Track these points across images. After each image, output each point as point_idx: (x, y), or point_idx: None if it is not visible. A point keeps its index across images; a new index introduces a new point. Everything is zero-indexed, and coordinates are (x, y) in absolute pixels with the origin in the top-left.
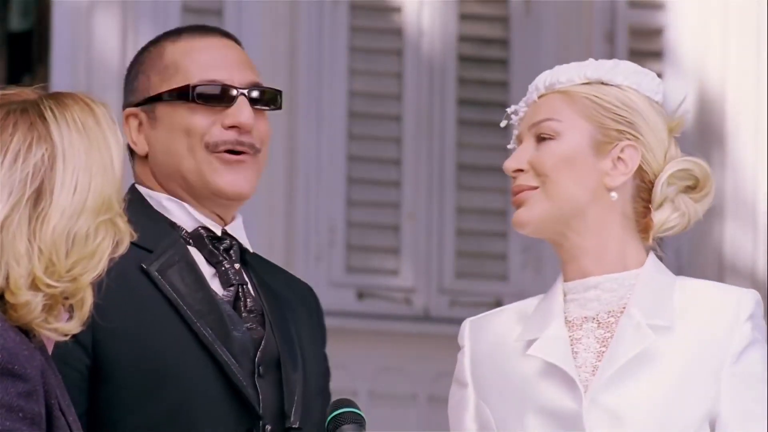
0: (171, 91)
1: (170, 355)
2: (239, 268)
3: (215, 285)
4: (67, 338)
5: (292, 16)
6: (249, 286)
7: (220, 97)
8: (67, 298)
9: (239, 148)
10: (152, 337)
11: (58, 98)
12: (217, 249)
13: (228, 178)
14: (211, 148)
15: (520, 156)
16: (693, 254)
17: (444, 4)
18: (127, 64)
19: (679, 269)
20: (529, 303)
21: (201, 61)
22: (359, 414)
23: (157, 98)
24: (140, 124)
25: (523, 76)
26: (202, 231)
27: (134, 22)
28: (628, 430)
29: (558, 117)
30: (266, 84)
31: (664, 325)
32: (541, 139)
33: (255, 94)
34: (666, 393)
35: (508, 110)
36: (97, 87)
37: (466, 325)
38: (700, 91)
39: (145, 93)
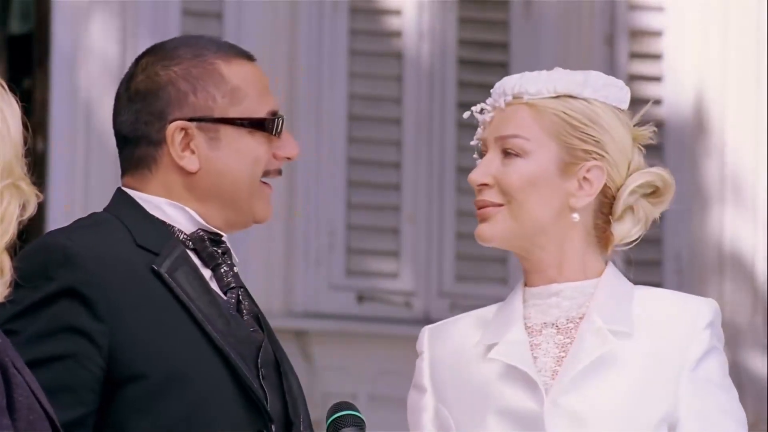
0: (245, 119)
1: (184, 357)
2: (236, 271)
3: (213, 287)
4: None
5: (292, 19)
6: (245, 289)
7: (281, 131)
8: None
9: (276, 176)
10: (166, 339)
11: None
12: (217, 252)
13: (267, 208)
14: (263, 178)
15: (486, 169)
16: (693, 249)
17: (444, 7)
18: (127, 66)
19: (679, 265)
20: (489, 310)
21: (260, 90)
22: (359, 417)
23: (226, 121)
24: (190, 138)
25: None
26: (202, 233)
27: (134, 25)
28: (595, 426)
29: (526, 135)
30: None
31: (623, 331)
32: (507, 153)
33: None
34: (626, 396)
35: (474, 109)
36: (97, 89)
37: (425, 332)
38: (700, 93)
39: (207, 112)
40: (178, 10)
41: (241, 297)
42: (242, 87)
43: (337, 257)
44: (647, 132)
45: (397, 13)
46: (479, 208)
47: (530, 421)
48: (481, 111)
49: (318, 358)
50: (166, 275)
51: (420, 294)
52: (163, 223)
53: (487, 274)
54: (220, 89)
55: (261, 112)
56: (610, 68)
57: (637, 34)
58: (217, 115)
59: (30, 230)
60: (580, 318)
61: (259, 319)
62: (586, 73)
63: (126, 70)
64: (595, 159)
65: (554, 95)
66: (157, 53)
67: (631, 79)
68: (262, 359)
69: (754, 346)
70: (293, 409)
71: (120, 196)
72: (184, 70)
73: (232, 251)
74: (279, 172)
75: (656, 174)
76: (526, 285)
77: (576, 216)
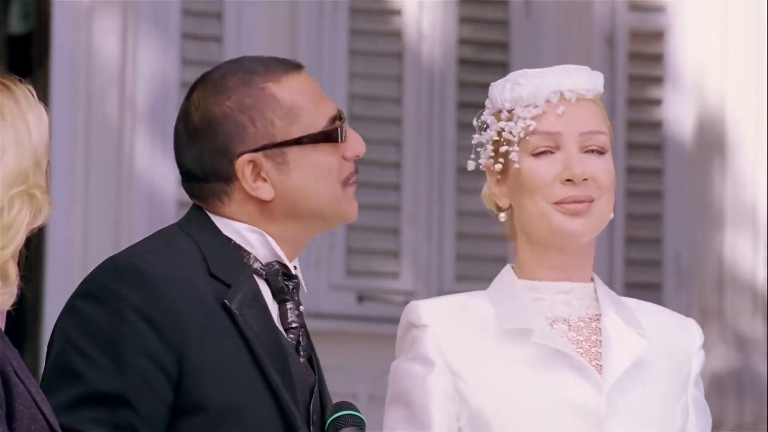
0: (307, 137)
1: (240, 393)
2: (302, 311)
3: (276, 323)
4: (3, 309)
5: (292, 19)
6: (305, 329)
7: (344, 135)
8: None
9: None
10: (227, 373)
11: None
12: (287, 287)
13: (354, 206)
14: (344, 183)
15: (583, 164)
16: (693, 258)
17: (444, 7)
18: (128, 66)
19: (679, 277)
20: (474, 296)
21: (315, 99)
22: (359, 417)
23: (289, 143)
24: (260, 168)
25: None
26: (277, 266)
27: (134, 25)
28: (644, 429)
29: (605, 130)
30: None
31: (643, 334)
32: (588, 149)
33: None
34: (662, 402)
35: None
36: (97, 90)
37: (421, 306)
38: (700, 93)
39: (270, 138)
40: (178, 10)
41: (300, 338)
42: (297, 103)
43: (337, 257)
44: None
45: (397, 13)
46: (578, 203)
47: (587, 410)
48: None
49: (318, 357)
50: (235, 311)
51: (420, 294)
52: (239, 249)
53: (487, 274)
54: (277, 113)
55: (320, 123)
56: (610, 68)
57: (637, 34)
58: (279, 139)
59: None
60: (590, 318)
61: (311, 360)
62: (599, 73)
63: (126, 70)
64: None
65: (599, 94)
66: (206, 87)
67: (632, 79)
68: (314, 404)
69: (754, 346)
70: None
71: (197, 214)
72: (238, 102)
73: (302, 284)
74: (355, 172)
75: None
76: (522, 278)
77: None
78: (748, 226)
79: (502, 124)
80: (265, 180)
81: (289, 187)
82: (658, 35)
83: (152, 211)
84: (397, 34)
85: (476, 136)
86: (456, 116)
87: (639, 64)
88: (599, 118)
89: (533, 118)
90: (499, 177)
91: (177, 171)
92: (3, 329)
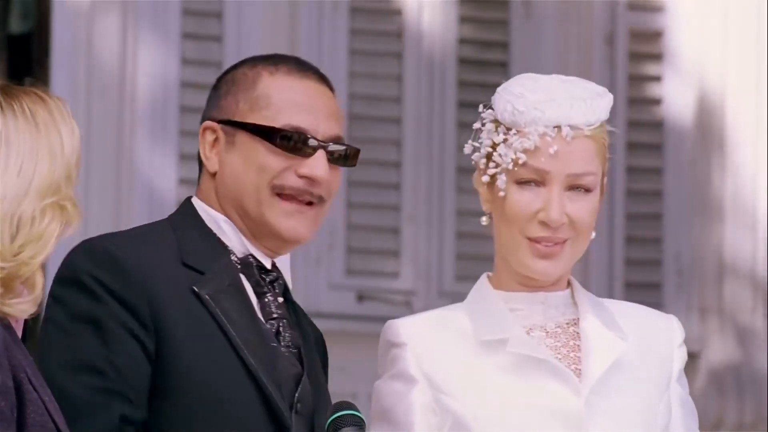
0: (256, 126)
1: (217, 380)
2: (282, 302)
3: (258, 315)
4: (25, 316)
5: (291, 19)
6: (287, 321)
7: (300, 147)
8: (17, 280)
9: (307, 198)
10: (203, 360)
11: (9, 90)
12: (264, 280)
13: (289, 223)
14: (276, 190)
15: (562, 208)
16: (693, 258)
17: (444, 6)
18: (128, 66)
19: (679, 277)
20: (453, 310)
21: (292, 103)
22: (359, 416)
23: (241, 125)
24: (215, 140)
25: None
26: (252, 259)
27: (134, 24)
28: (625, 431)
29: (595, 171)
30: None
31: (621, 337)
32: (574, 188)
33: (334, 149)
34: (644, 401)
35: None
36: (96, 89)
37: (397, 325)
38: (700, 93)
39: (230, 114)
40: (178, 10)
41: (281, 328)
42: (270, 96)
43: (337, 256)
44: None
45: (397, 12)
46: (549, 245)
47: (566, 414)
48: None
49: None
50: (206, 297)
51: (420, 293)
52: (219, 240)
53: None
54: (246, 95)
55: (278, 123)
56: (610, 68)
57: (637, 34)
58: (236, 118)
59: None
60: (567, 323)
61: (300, 353)
62: (609, 94)
63: (126, 69)
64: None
65: (600, 124)
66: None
67: (631, 79)
68: (301, 394)
69: (755, 345)
70: None
71: (185, 206)
72: (231, 76)
73: (286, 278)
74: (307, 193)
75: None
76: (498, 288)
77: (593, 233)
78: (748, 226)
79: (497, 139)
80: (218, 155)
81: (226, 167)
82: (657, 35)
83: (152, 211)
84: (397, 34)
85: (477, 125)
86: (456, 116)
87: (639, 63)
88: (591, 156)
89: (524, 152)
90: (486, 185)
91: (177, 171)
92: (20, 336)
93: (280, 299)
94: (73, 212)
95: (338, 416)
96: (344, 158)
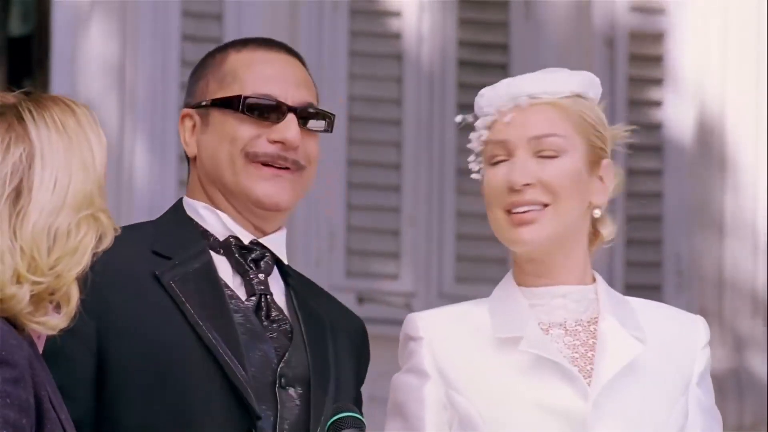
0: (224, 99)
1: (173, 355)
2: (264, 278)
3: (241, 294)
4: (55, 332)
5: (291, 20)
6: (274, 297)
7: (269, 112)
8: (53, 294)
9: (281, 163)
10: (156, 336)
11: (38, 100)
12: (244, 258)
13: (266, 189)
14: (251, 158)
15: (525, 169)
16: (693, 271)
17: (444, 8)
18: (128, 67)
19: (678, 279)
20: (477, 305)
21: (259, 73)
22: (359, 418)
23: (212, 104)
24: (194, 126)
25: None
26: (231, 240)
27: (134, 26)
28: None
29: (561, 132)
30: None
31: (640, 337)
32: (541, 154)
33: (306, 113)
34: (659, 404)
35: (471, 116)
36: (97, 91)
37: (417, 318)
38: (700, 96)
39: (202, 97)
40: (178, 11)
41: (262, 303)
42: (236, 71)
43: (337, 258)
44: (624, 132)
45: (397, 14)
46: (522, 212)
47: (571, 417)
48: (474, 117)
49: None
50: (165, 279)
51: (420, 295)
52: (198, 228)
53: (486, 275)
54: (215, 75)
55: (245, 93)
56: (610, 70)
57: (637, 36)
58: (207, 98)
59: None
60: (588, 321)
61: (292, 330)
62: (590, 74)
63: (126, 70)
64: (605, 158)
65: (569, 95)
66: None
67: (632, 81)
68: (285, 369)
69: (754, 347)
70: (314, 428)
71: (175, 204)
72: (202, 62)
73: (275, 254)
74: (280, 158)
75: (618, 169)
76: (520, 284)
77: (598, 212)
78: (747, 228)
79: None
80: (195, 138)
81: (204, 148)
82: (658, 37)
83: (152, 212)
84: (397, 36)
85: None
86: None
87: (639, 65)
88: (554, 120)
89: (486, 128)
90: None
91: (177, 172)
92: (41, 352)
93: (262, 276)
94: (107, 223)
95: (339, 418)
96: (319, 123)
